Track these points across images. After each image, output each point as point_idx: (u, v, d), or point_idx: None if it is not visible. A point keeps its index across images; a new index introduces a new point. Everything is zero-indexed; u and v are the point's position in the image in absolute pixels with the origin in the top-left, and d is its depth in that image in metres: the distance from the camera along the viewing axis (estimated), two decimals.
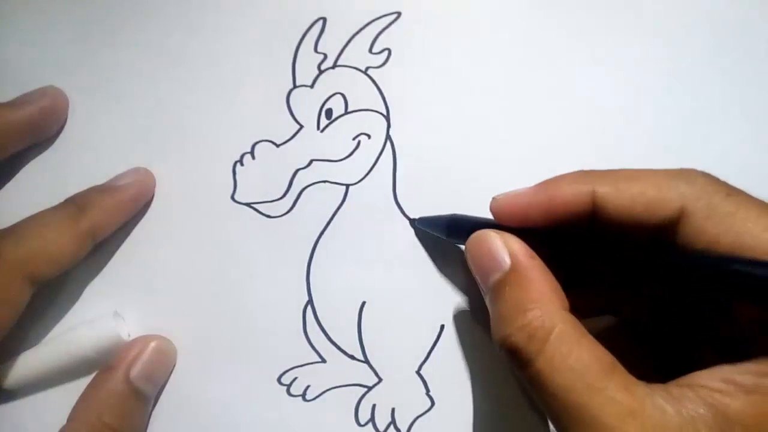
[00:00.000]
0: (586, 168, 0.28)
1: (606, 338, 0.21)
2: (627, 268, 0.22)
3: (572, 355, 0.20)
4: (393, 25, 0.29)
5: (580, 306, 0.22)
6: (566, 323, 0.21)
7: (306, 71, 0.29)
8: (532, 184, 0.28)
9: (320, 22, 0.29)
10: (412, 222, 0.28)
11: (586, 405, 0.19)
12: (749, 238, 0.20)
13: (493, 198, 0.24)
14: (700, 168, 0.27)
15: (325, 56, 0.29)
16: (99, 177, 0.29)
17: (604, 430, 0.19)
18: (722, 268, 0.19)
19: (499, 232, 0.24)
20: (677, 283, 0.22)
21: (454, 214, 0.26)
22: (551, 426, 0.27)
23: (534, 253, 0.23)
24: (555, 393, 0.20)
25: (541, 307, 0.21)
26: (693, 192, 0.21)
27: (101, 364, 0.28)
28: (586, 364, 0.20)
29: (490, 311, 0.23)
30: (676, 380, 0.20)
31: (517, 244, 0.23)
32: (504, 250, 0.23)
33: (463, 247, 0.26)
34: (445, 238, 0.27)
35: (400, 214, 0.28)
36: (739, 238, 0.20)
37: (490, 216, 0.25)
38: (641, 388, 0.19)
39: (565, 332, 0.20)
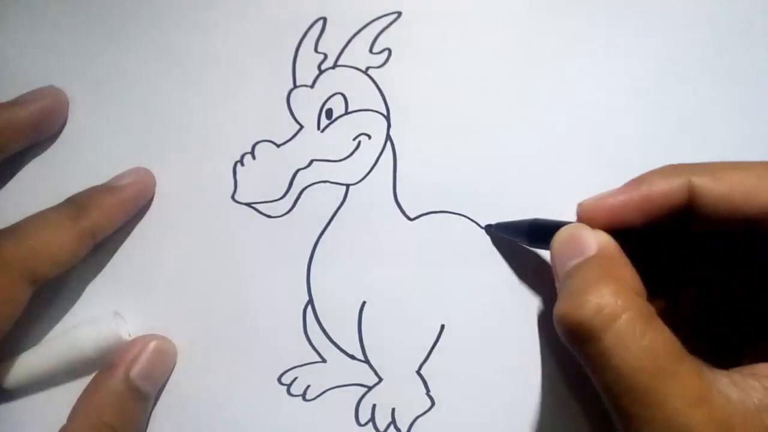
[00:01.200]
0: (586, 167, 0.28)
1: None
2: (723, 262, 0.22)
3: (646, 336, 0.19)
4: (393, 25, 0.29)
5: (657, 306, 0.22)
6: (640, 306, 0.20)
7: (306, 71, 0.29)
8: (532, 183, 0.28)
9: (320, 22, 0.29)
10: (488, 228, 0.28)
11: (655, 388, 0.19)
12: None
13: (580, 203, 0.24)
14: None
15: (326, 56, 0.29)
16: (99, 177, 0.29)
17: (672, 414, 0.18)
18: None
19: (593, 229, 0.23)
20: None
21: (536, 219, 0.26)
22: (550, 426, 0.27)
23: (621, 251, 0.22)
24: (622, 373, 0.19)
25: (617, 286, 0.20)
26: None
27: (101, 364, 0.28)
28: (659, 346, 0.19)
29: (559, 292, 0.22)
30: (738, 369, 0.20)
31: (607, 238, 0.22)
32: (594, 239, 0.22)
33: (542, 252, 0.26)
34: (527, 245, 0.26)
35: (401, 214, 0.28)
36: None
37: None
38: (709, 374, 0.19)
39: (638, 313, 0.20)
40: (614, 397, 0.19)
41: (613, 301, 0.20)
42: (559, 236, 0.23)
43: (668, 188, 0.22)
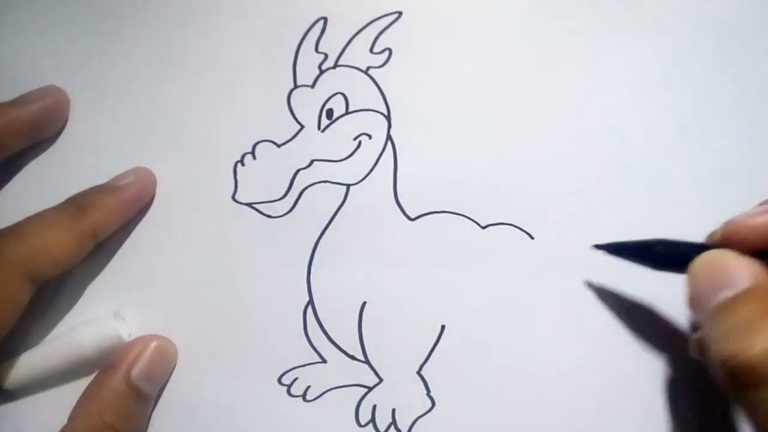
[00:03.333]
0: (586, 167, 0.28)
1: None
2: None
3: None
4: (394, 25, 0.29)
5: None
6: None
7: (307, 71, 0.29)
8: (532, 183, 0.28)
9: (321, 22, 0.29)
10: (597, 246, 0.25)
11: None
12: None
13: (728, 222, 0.21)
14: (701, 169, 0.28)
15: (326, 56, 0.29)
16: (100, 177, 0.29)
17: None
18: None
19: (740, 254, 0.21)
20: None
21: (661, 240, 0.24)
22: (550, 426, 0.27)
23: None
24: None
25: None
26: None
27: (102, 364, 0.28)
28: None
29: (708, 330, 0.20)
30: None
31: (760, 268, 0.20)
32: (745, 269, 0.20)
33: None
34: (653, 267, 0.24)
35: (401, 214, 0.28)
36: None
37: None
38: None
39: None
40: None
41: None
42: (702, 263, 0.21)
43: None
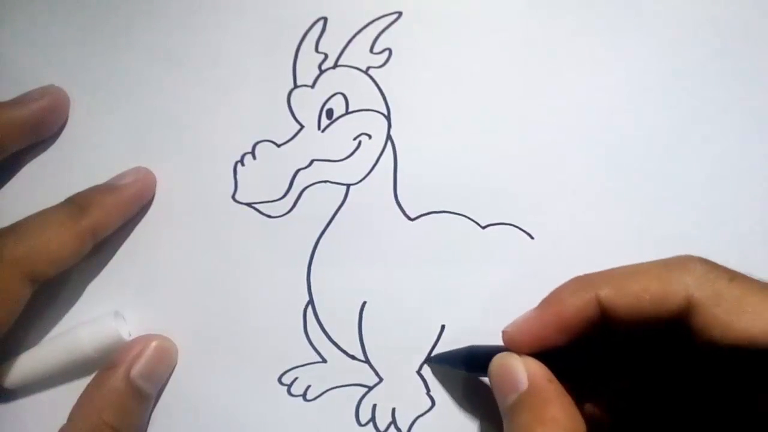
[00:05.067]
0: (586, 167, 0.28)
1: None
2: (646, 369, 0.22)
3: None
4: (394, 25, 0.29)
5: (601, 411, 0.23)
6: None
7: (307, 71, 0.29)
8: (532, 183, 0.28)
9: (321, 22, 0.29)
10: (428, 361, 0.28)
11: None
12: (763, 322, 0.20)
13: (503, 331, 0.24)
14: (701, 169, 0.28)
15: (326, 56, 0.29)
16: (100, 176, 0.29)
17: None
18: (746, 358, 0.19)
19: (520, 355, 0.24)
20: (697, 375, 0.22)
21: (471, 346, 0.26)
22: None
23: (552, 376, 0.23)
24: None
25: (555, 429, 0.21)
26: (695, 280, 0.21)
27: (102, 363, 0.28)
28: None
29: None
30: None
31: (536, 366, 0.23)
32: (523, 371, 0.23)
33: (485, 379, 0.27)
34: (467, 372, 0.26)
35: (401, 214, 0.29)
36: (753, 323, 0.20)
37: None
38: None
39: None
40: None
41: None
42: (492, 368, 0.24)
43: (578, 306, 0.22)
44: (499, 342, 0.25)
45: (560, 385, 0.23)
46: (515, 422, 0.22)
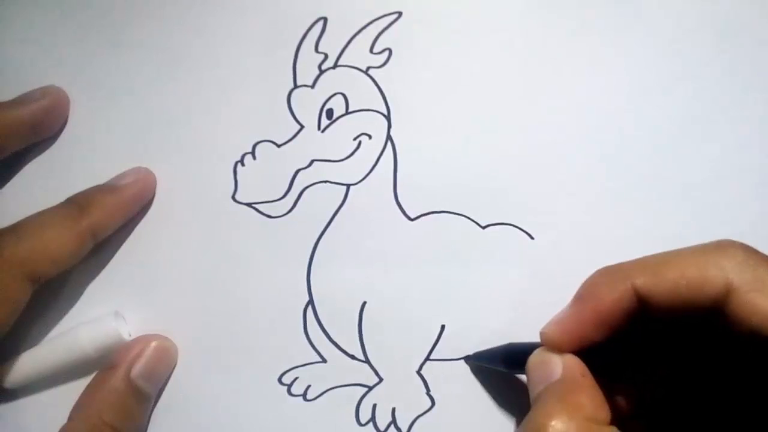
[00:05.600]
0: (586, 167, 0.28)
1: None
2: (682, 357, 0.22)
3: None
4: (394, 25, 0.29)
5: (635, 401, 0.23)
6: None
7: (307, 71, 0.29)
8: (532, 183, 0.28)
9: (321, 22, 0.29)
10: (466, 359, 0.28)
11: None
12: None
13: (541, 332, 0.24)
14: (702, 169, 0.28)
15: (326, 56, 0.29)
16: (100, 176, 0.29)
17: None
18: None
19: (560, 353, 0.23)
20: (734, 364, 0.21)
21: (510, 344, 0.26)
22: None
23: (587, 371, 0.22)
24: None
25: (570, 414, 0.20)
26: (735, 266, 0.20)
27: (102, 363, 0.28)
28: None
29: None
30: None
31: (574, 361, 0.23)
32: (559, 364, 0.22)
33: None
34: (505, 369, 0.26)
35: (401, 214, 0.29)
36: None
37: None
38: None
39: None
40: None
41: (564, 428, 0.20)
42: (530, 363, 0.24)
43: (615, 299, 0.22)
44: (512, 339, 0.25)
45: (593, 379, 0.22)
46: (537, 403, 0.22)
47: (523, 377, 0.26)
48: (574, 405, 0.21)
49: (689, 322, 0.21)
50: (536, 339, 0.27)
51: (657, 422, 0.24)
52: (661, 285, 0.21)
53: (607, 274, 0.23)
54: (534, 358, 0.24)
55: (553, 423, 0.20)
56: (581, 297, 0.23)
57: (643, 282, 0.21)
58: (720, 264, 0.20)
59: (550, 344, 0.23)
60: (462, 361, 0.28)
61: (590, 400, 0.21)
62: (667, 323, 0.22)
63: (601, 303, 0.22)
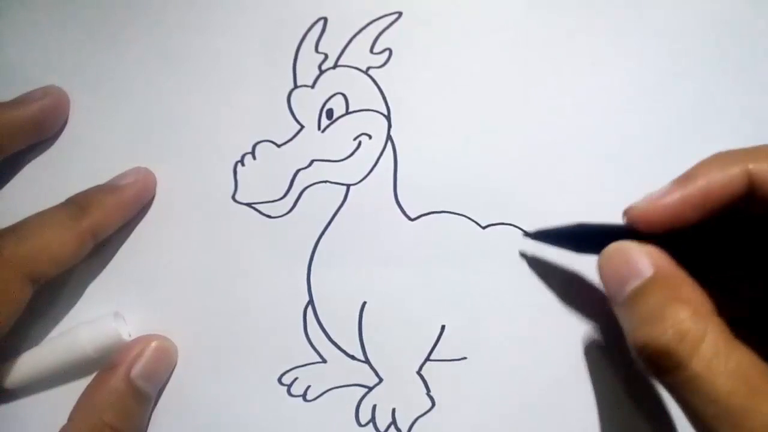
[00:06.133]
0: (586, 167, 0.28)
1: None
2: None
3: (732, 357, 0.19)
4: (394, 25, 0.29)
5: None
6: (719, 326, 0.19)
7: (307, 71, 0.29)
8: (532, 183, 0.28)
9: (321, 22, 0.29)
10: (528, 234, 0.27)
11: (752, 409, 0.18)
12: None
13: (630, 207, 0.22)
14: None
15: (326, 56, 0.29)
16: (100, 176, 0.29)
17: None
18: None
19: (640, 243, 0.22)
20: None
21: (581, 224, 0.25)
22: (550, 426, 0.27)
23: (676, 265, 0.21)
24: (715, 397, 0.19)
25: (692, 307, 0.20)
26: None
27: (102, 364, 0.28)
28: (748, 366, 0.19)
29: (624, 321, 0.21)
30: None
31: (660, 254, 0.21)
32: (646, 258, 0.21)
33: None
34: (574, 250, 0.25)
35: (401, 214, 0.28)
36: None
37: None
38: None
39: (720, 335, 0.19)
40: (708, 423, 0.19)
41: (694, 325, 0.19)
42: (607, 255, 0.22)
43: (727, 180, 0.21)
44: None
45: (686, 271, 0.21)
46: (641, 306, 0.20)
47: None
48: (685, 299, 0.20)
49: None
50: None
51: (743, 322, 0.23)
52: None
53: (720, 156, 0.22)
54: (612, 247, 0.22)
55: (674, 322, 0.19)
56: (687, 176, 0.22)
57: (758, 167, 0.20)
58: None
59: (638, 219, 0.22)
60: (462, 361, 0.28)
61: (696, 293, 0.20)
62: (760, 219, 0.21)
63: (710, 183, 0.21)
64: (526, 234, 0.27)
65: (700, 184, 0.21)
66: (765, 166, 0.21)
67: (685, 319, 0.19)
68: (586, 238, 0.24)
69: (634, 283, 0.21)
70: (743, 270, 0.23)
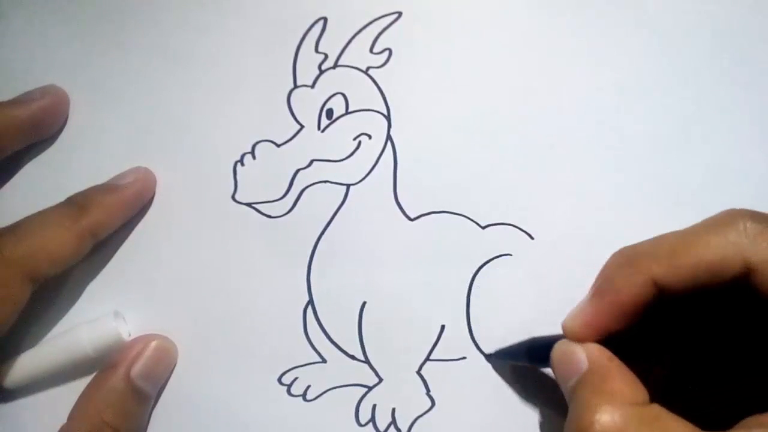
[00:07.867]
0: (586, 167, 0.28)
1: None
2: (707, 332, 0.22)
3: None
4: (394, 25, 0.29)
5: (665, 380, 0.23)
6: (640, 414, 0.20)
7: (307, 71, 0.29)
8: (532, 183, 0.28)
9: (321, 22, 0.29)
10: (488, 357, 0.28)
11: None
12: None
13: (563, 325, 0.24)
14: (701, 169, 0.28)
15: (326, 56, 0.29)
16: (100, 176, 0.29)
17: None
18: None
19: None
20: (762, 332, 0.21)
21: (533, 339, 0.26)
22: (550, 426, 0.27)
23: (612, 356, 0.22)
24: None
25: (612, 401, 0.20)
26: (750, 242, 0.20)
27: (101, 363, 0.28)
28: None
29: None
30: (743, 422, 0.20)
31: (596, 348, 0.23)
32: (582, 354, 0.23)
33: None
34: (528, 364, 0.26)
35: (401, 214, 0.28)
36: None
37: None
38: None
39: (640, 421, 0.20)
40: None
41: (611, 418, 0.20)
42: (554, 355, 0.24)
43: (633, 292, 0.22)
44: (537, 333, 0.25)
45: (621, 362, 0.22)
46: (575, 401, 0.22)
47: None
48: (611, 392, 0.21)
49: (710, 299, 0.21)
50: (539, 337, 0.27)
51: (690, 396, 0.24)
52: (679, 273, 0.21)
53: (620, 262, 0.23)
54: (557, 351, 0.24)
55: (597, 417, 0.20)
56: (599, 289, 0.23)
57: (660, 272, 0.21)
58: (735, 242, 0.20)
59: (572, 337, 0.23)
60: (462, 361, 0.28)
61: (625, 383, 0.21)
62: (688, 302, 0.22)
63: (620, 296, 0.22)
64: (487, 357, 0.28)
65: (611, 299, 0.22)
66: (664, 270, 0.21)
67: (605, 413, 0.20)
68: (541, 350, 0.25)
69: (573, 380, 0.22)
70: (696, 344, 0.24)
